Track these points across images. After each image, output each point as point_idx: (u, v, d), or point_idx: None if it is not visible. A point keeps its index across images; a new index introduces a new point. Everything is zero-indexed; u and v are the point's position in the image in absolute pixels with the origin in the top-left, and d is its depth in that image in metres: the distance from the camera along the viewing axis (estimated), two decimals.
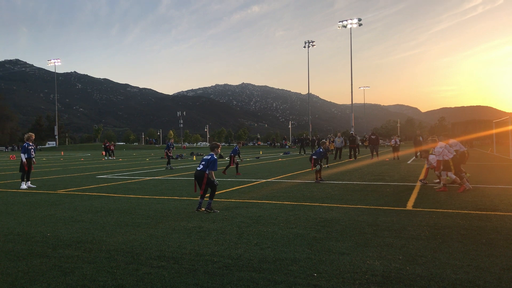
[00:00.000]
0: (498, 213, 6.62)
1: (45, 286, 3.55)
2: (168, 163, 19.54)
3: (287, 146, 72.23)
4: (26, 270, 4.00)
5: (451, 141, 10.67)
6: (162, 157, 30.99)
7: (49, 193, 10.27)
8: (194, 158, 30.87)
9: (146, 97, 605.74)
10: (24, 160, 11.77)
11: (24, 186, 11.54)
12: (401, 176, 13.24)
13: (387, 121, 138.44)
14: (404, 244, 4.75)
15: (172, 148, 20.32)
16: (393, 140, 26.08)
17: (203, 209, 7.11)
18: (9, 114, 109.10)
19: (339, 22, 64.45)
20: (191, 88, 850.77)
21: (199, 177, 7.07)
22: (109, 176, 15.29)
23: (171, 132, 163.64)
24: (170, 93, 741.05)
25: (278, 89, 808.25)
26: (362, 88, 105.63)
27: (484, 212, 6.67)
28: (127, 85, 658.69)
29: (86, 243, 5.01)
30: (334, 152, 27.93)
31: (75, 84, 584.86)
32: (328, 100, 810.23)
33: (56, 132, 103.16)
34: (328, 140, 28.77)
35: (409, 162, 21.37)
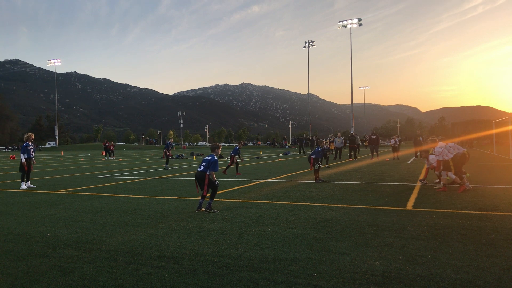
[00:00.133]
0: (498, 213, 6.62)
1: (45, 286, 3.55)
2: (166, 162, 19.49)
3: (287, 146, 72.24)
4: (26, 270, 4.00)
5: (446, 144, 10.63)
6: (161, 157, 30.98)
7: (49, 193, 10.27)
8: (194, 158, 30.87)
9: (146, 97, 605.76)
10: (23, 160, 11.76)
11: (24, 186, 11.54)
12: (401, 176, 13.24)
13: (387, 121, 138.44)
14: (404, 244, 4.75)
15: (172, 148, 20.28)
16: (392, 140, 26.07)
17: (203, 209, 7.11)
18: (9, 114, 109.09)
19: (339, 22, 64.48)
20: (191, 88, 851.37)
21: (200, 178, 7.06)
22: (109, 176, 15.29)
23: (171, 132, 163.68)
24: (170, 93, 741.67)
25: (278, 89, 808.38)
26: (362, 88, 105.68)
27: (484, 212, 6.67)
28: (127, 85, 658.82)
29: (86, 243, 5.01)
30: (334, 152, 27.92)
31: (75, 84, 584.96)
32: (328, 100, 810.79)
33: (56, 132, 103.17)
34: (328, 140, 28.82)
35: (409, 162, 21.38)
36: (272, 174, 14.88)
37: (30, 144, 12.10)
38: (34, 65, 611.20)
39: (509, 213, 6.56)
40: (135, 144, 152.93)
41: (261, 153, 43.42)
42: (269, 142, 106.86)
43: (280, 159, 27.50)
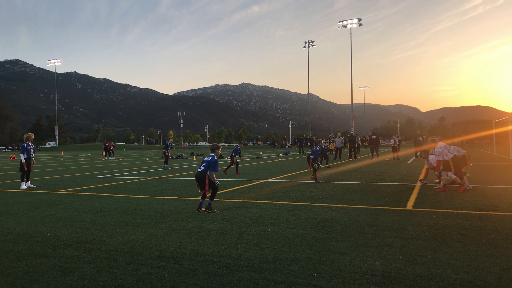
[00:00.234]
0: (498, 213, 6.62)
1: (45, 286, 3.55)
2: (165, 162, 19.43)
3: (287, 146, 72.24)
4: (26, 270, 4.00)
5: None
6: (161, 157, 30.98)
7: (49, 193, 10.27)
8: (194, 158, 30.87)
9: (146, 97, 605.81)
10: (23, 160, 11.77)
11: (24, 186, 11.54)
12: (401, 176, 13.24)
13: (387, 121, 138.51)
14: (404, 244, 4.75)
15: (171, 148, 20.23)
16: (392, 140, 26.07)
17: (203, 209, 7.11)
18: (9, 114, 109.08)
19: (339, 22, 64.50)
20: (191, 88, 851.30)
21: (200, 178, 7.06)
22: (109, 176, 15.29)
23: (171, 132, 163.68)
24: (170, 93, 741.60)
25: (278, 89, 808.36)
26: (362, 88, 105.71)
27: (484, 212, 6.67)
28: (127, 85, 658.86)
29: (86, 243, 5.01)
30: (334, 152, 27.92)
31: (75, 84, 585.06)
32: (328, 100, 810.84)
33: (56, 132, 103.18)
34: (328, 140, 28.81)
35: (409, 162, 21.38)
36: (272, 174, 14.88)
37: (30, 144, 12.10)
38: (34, 65, 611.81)
39: (509, 213, 6.56)
40: (135, 144, 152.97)
41: (261, 153, 43.41)
42: (269, 142, 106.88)
43: (280, 159, 27.50)
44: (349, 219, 6.30)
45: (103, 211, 7.36)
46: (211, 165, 7.06)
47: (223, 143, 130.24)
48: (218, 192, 7.74)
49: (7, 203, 8.63)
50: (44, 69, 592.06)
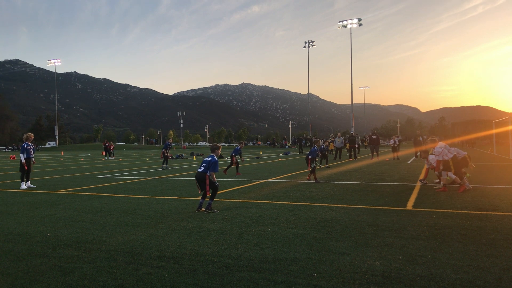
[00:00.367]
0: (498, 213, 6.62)
1: (45, 286, 3.55)
2: (163, 163, 19.35)
3: (287, 146, 72.25)
4: (26, 270, 4.00)
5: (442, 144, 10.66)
6: (160, 158, 30.98)
7: (49, 193, 10.27)
8: (194, 158, 30.87)
9: (146, 97, 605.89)
10: (23, 160, 11.77)
11: (24, 186, 11.54)
12: (401, 176, 13.24)
13: (387, 121, 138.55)
14: (404, 244, 4.75)
15: (170, 148, 20.18)
16: (391, 140, 26.07)
17: (203, 209, 7.11)
18: (9, 114, 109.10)
19: (339, 22, 64.52)
20: (191, 88, 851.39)
21: (200, 179, 7.06)
22: (109, 176, 15.29)
23: (171, 132, 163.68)
24: (170, 93, 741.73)
25: (278, 89, 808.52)
26: (362, 88, 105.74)
27: (484, 212, 6.67)
28: (127, 85, 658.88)
29: (86, 243, 5.01)
30: (334, 152, 27.92)
31: (75, 84, 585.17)
32: (328, 100, 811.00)
33: (56, 132, 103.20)
34: (327, 140, 28.82)
35: (409, 162, 21.38)
36: (272, 174, 14.88)
37: (30, 144, 12.11)
38: (34, 65, 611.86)
39: (509, 213, 6.56)
40: (135, 144, 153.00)
41: (261, 153, 43.41)
42: (269, 142, 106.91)
43: (280, 159, 27.50)
44: (349, 219, 6.30)
45: (103, 211, 7.36)
46: (211, 166, 7.06)
47: (223, 143, 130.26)
48: (218, 192, 7.74)
49: (7, 203, 8.63)
50: (44, 69, 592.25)
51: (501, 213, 6.57)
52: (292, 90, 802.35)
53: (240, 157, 16.75)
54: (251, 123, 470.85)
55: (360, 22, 63.84)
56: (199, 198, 7.33)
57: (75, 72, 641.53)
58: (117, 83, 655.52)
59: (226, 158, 24.81)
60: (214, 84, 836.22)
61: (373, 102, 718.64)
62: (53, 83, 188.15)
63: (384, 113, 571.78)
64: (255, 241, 4.98)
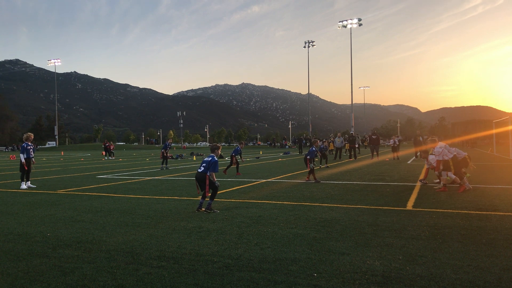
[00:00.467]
0: (498, 213, 6.62)
1: (45, 286, 3.55)
2: (163, 163, 19.29)
3: (287, 146, 72.25)
4: (26, 270, 4.00)
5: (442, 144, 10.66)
6: (160, 158, 30.96)
7: (49, 193, 10.27)
8: (194, 158, 30.87)
9: (146, 97, 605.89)
10: (23, 160, 11.77)
11: (24, 186, 11.54)
12: (401, 176, 13.24)
13: (387, 121, 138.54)
14: (404, 244, 4.75)
15: (170, 148, 20.14)
16: (391, 141, 26.07)
17: (203, 209, 7.11)
18: (9, 114, 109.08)
19: (339, 22, 64.52)
20: (191, 88, 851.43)
21: (200, 179, 7.06)
22: (109, 176, 15.29)
23: (171, 132, 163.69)
24: (170, 93, 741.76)
25: (278, 89, 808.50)
26: (362, 88, 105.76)
27: (484, 212, 6.67)
28: (127, 85, 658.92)
29: (86, 243, 5.01)
30: (334, 152, 27.92)
31: (75, 84, 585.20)
32: (328, 100, 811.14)
33: (56, 132, 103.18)
34: (327, 140, 28.84)
35: (409, 162, 21.37)
36: (272, 174, 14.88)
37: (30, 144, 12.11)
38: (34, 65, 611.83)
39: (509, 213, 6.56)
40: (135, 144, 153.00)
41: (261, 153, 43.42)
42: (269, 142, 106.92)
43: (280, 159, 27.50)
44: (349, 219, 6.30)
45: (103, 211, 7.36)
46: (211, 166, 7.06)
47: (223, 143, 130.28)
48: (218, 192, 7.74)
49: (7, 203, 8.63)
50: (44, 69, 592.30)
51: (501, 213, 6.57)
52: (292, 90, 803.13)
53: (241, 157, 16.75)
54: (251, 123, 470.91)
55: (360, 22, 63.84)
56: (199, 198, 7.33)
57: (75, 72, 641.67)
58: (117, 83, 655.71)
59: (226, 158, 24.81)
60: (214, 84, 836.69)
61: (373, 102, 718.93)
62: (53, 83, 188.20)
63: (384, 113, 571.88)
64: (255, 241, 4.98)
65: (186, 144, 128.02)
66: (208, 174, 7.02)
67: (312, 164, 11.87)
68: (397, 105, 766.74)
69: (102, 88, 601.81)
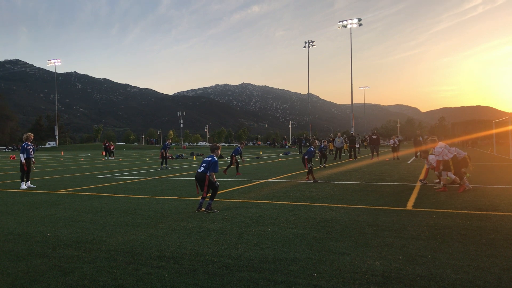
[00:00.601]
0: (498, 213, 6.62)
1: (45, 286, 3.55)
2: (162, 163, 19.26)
3: (287, 146, 72.26)
4: (26, 270, 4.00)
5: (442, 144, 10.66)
6: (159, 158, 30.92)
7: (49, 193, 10.27)
8: (194, 158, 30.87)
9: (146, 97, 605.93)
10: (23, 160, 11.77)
11: (24, 186, 11.54)
12: (401, 176, 13.24)
13: (387, 121, 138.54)
14: (404, 244, 4.75)
15: (169, 148, 20.13)
16: (391, 141, 26.07)
17: (203, 209, 7.11)
18: (9, 114, 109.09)
19: (339, 22, 64.49)
20: (191, 88, 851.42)
21: (200, 179, 7.05)
22: (109, 176, 15.29)
23: (171, 132, 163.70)
24: (170, 93, 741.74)
25: (278, 89, 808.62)
26: (362, 88, 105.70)
27: (484, 212, 6.67)
28: (127, 85, 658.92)
29: (86, 243, 5.01)
30: (334, 152, 27.91)
31: (75, 84, 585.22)
32: (328, 100, 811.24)
33: (56, 132, 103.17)
34: (326, 140, 28.85)
35: (409, 162, 21.37)
36: (272, 174, 14.88)
37: (30, 144, 12.11)
38: (34, 65, 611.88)
39: (509, 213, 6.56)
40: (135, 144, 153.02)
41: (261, 153, 43.42)
42: (269, 142, 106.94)
43: (280, 159, 27.50)
44: (349, 219, 6.30)
45: (103, 211, 7.36)
46: (211, 166, 7.05)
47: (223, 143, 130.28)
48: (218, 192, 7.74)
49: (7, 203, 8.63)
50: (44, 69, 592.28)
51: (501, 213, 6.57)
52: (292, 90, 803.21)
53: (241, 157, 16.75)
54: (251, 123, 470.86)
55: (360, 22, 63.82)
56: (199, 198, 7.33)
57: (75, 72, 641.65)
58: (117, 83, 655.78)
59: (226, 158, 24.82)
60: (214, 84, 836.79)
61: (373, 102, 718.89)
62: (53, 83, 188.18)
63: (384, 113, 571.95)
64: (255, 241, 4.98)
65: (186, 144, 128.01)
66: (208, 174, 7.02)
67: (310, 164, 11.86)
68: (397, 105, 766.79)
69: (102, 88, 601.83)
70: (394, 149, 24.94)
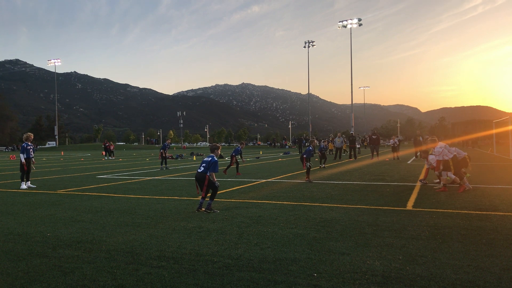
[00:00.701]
0: (498, 213, 6.62)
1: (45, 286, 3.55)
2: (162, 163, 19.27)
3: (287, 146, 72.26)
4: (26, 270, 4.00)
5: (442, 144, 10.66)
6: (158, 158, 30.91)
7: (49, 193, 10.27)
8: (194, 158, 30.87)
9: (146, 97, 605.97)
10: (23, 160, 11.77)
11: (24, 186, 11.54)
12: (401, 176, 13.24)
13: (387, 121, 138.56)
14: (404, 244, 4.75)
15: (168, 148, 20.12)
16: (391, 141, 26.07)
17: (203, 209, 7.11)
18: (9, 114, 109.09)
19: (339, 22, 64.49)
20: (191, 88, 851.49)
21: (200, 179, 7.05)
22: (109, 176, 15.29)
23: (171, 132, 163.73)
24: (170, 93, 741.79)
25: (278, 89, 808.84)
26: (362, 88, 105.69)
27: (484, 212, 6.67)
28: (127, 85, 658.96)
29: (86, 243, 5.01)
30: (334, 152, 27.91)
31: (75, 84, 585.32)
32: (328, 100, 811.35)
33: (56, 132, 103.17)
34: (326, 140, 28.87)
35: (409, 162, 21.37)
36: (272, 174, 14.88)
37: (30, 144, 12.11)
38: (34, 65, 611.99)
39: (509, 213, 6.56)
40: (135, 144, 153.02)
41: (261, 153, 43.42)
42: (269, 142, 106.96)
43: (280, 159, 27.50)
44: (349, 219, 6.30)
45: (103, 211, 7.36)
46: (211, 166, 7.05)
47: (223, 143, 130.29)
48: (218, 192, 7.74)
49: (7, 203, 8.63)
50: (44, 69, 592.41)
51: (501, 213, 6.57)
52: (292, 90, 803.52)
53: (241, 157, 16.75)
54: (251, 123, 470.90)
55: (360, 22, 63.81)
56: (199, 198, 7.33)
57: (75, 72, 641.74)
58: (117, 83, 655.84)
59: (226, 158, 24.82)
60: (214, 84, 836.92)
61: (373, 102, 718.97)
62: (53, 83, 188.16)
63: (384, 113, 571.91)
64: (255, 241, 4.98)
65: (186, 144, 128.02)
66: (208, 174, 7.02)
67: (308, 164, 11.85)
68: (397, 105, 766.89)
69: (102, 88, 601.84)
70: (394, 149, 24.94)
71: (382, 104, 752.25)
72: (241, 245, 4.80)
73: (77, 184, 12.53)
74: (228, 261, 4.17)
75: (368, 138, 31.94)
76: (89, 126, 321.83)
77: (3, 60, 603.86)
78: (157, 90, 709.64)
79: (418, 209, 7.12)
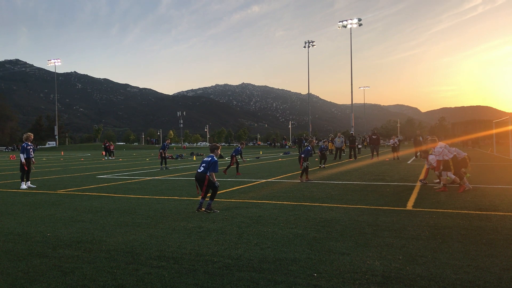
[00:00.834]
0: (498, 213, 6.62)
1: (45, 286, 3.55)
2: (161, 163, 19.25)
3: (287, 146, 72.27)
4: (26, 270, 4.00)
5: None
6: (158, 158, 30.89)
7: (49, 193, 10.27)
8: (194, 158, 30.87)
9: (146, 97, 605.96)
10: (23, 160, 11.77)
11: (24, 186, 11.54)
12: (401, 176, 13.24)
13: (387, 121, 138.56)
14: (404, 244, 4.75)
15: (167, 148, 20.11)
16: (391, 141, 26.07)
17: (203, 209, 7.11)
18: (9, 114, 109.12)
19: (339, 22, 64.48)
20: (191, 88, 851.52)
21: (200, 179, 7.05)
22: (109, 176, 15.29)
23: (171, 132, 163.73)
24: (170, 93, 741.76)
25: (278, 89, 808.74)
26: (362, 88, 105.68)
27: (484, 212, 6.67)
28: (127, 85, 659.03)
29: (86, 243, 5.01)
30: (334, 152, 27.90)
31: (75, 84, 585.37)
32: (328, 100, 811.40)
33: (56, 132, 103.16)
34: (326, 140, 28.87)
35: (409, 162, 21.37)
36: (272, 174, 14.88)
37: (30, 144, 12.11)
38: (34, 65, 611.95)
39: (509, 213, 6.56)
40: (135, 144, 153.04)
41: (261, 153, 43.42)
42: (269, 142, 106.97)
43: (280, 159, 27.50)
44: (349, 219, 6.30)
45: (103, 211, 7.36)
46: (211, 166, 7.05)
47: (223, 143, 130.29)
48: (218, 192, 7.74)
49: (7, 203, 8.63)
50: (44, 69, 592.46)
51: (501, 213, 6.57)
52: (292, 90, 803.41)
53: (241, 157, 16.75)
54: (251, 123, 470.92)
55: (360, 22, 63.80)
56: (199, 198, 7.33)
57: (75, 72, 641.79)
58: (117, 83, 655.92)
59: (226, 158, 24.82)
60: (214, 84, 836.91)
61: (373, 102, 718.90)
62: (53, 83, 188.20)
63: (384, 113, 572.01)
64: (255, 241, 4.98)
65: (186, 144, 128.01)
66: (208, 174, 7.02)
67: (305, 163, 11.82)
68: (397, 105, 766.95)
69: (102, 88, 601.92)
70: (394, 149, 24.94)
71: (382, 104, 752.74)
72: (241, 245, 4.80)
73: (77, 184, 12.53)
74: (228, 261, 4.17)
75: (368, 138, 31.93)
76: (89, 126, 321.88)
77: (3, 60, 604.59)
78: (157, 90, 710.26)
79: (418, 209, 7.12)
